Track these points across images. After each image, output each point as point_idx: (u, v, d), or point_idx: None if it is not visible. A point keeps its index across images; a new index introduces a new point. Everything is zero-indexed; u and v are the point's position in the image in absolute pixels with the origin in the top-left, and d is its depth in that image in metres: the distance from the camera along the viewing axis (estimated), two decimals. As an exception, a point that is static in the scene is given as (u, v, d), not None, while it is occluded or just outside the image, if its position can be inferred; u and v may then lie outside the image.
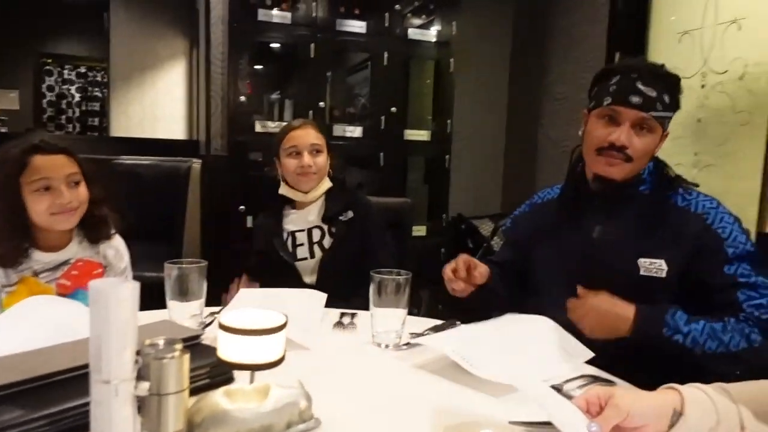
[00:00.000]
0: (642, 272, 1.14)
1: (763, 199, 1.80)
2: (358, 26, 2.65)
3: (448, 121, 2.85)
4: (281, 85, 2.98)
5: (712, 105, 2.07)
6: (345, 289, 1.44)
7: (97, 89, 6.02)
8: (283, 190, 1.66)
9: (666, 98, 1.14)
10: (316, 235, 1.63)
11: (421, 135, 2.87)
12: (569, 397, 0.89)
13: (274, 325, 0.71)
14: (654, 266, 1.14)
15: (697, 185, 1.22)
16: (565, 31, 2.83)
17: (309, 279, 1.62)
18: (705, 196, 1.18)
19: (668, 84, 1.15)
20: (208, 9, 2.77)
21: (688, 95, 2.15)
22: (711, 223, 1.13)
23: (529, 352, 1.02)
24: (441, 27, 2.80)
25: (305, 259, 1.62)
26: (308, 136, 1.62)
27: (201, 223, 2.50)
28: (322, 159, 1.63)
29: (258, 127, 2.63)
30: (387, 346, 1.10)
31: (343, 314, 1.28)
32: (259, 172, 2.76)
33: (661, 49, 2.31)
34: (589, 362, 1.04)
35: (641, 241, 1.16)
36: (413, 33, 2.77)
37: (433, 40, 2.79)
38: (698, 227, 1.13)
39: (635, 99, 1.12)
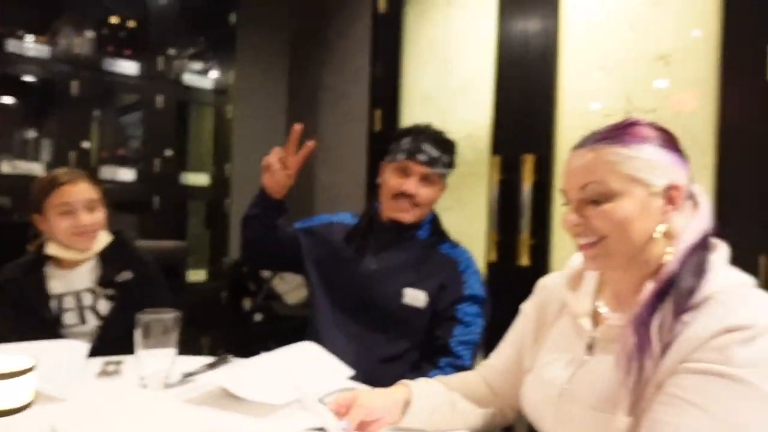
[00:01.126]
0: (404, 300, 1.38)
1: (487, 235, 2.23)
2: (128, 67, 2.57)
3: (227, 166, 2.90)
4: (37, 122, 2.70)
5: (450, 157, 2.50)
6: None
7: None
8: (53, 250, 1.45)
9: (446, 158, 1.42)
10: (88, 299, 1.45)
11: (200, 179, 2.85)
12: (328, 408, 1.01)
13: (17, 368, 0.69)
14: (416, 296, 1.39)
15: (457, 243, 1.52)
16: (333, 88, 3.14)
17: None
18: (464, 250, 1.49)
19: (447, 147, 1.44)
20: (-61, 32, 2.40)
21: (433, 149, 2.58)
22: (461, 269, 1.42)
23: (297, 374, 1.12)
24: (218, 74, 2.87)
25: (75, 325, 1.44)
26: (82, 191, 1.46)
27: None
28: (100, 215, 1.49)
29: (5, 168, 2.33)
30: (156, 387, 1.09)
31: (107, 362, 1.22)
32: (5, 218, 2.43)
33: (410, 110, 2.72)
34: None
35: (409, 275, 1.41)
36: (190, 78, 2.78)
37: (211, 86, 2.84)
38: (451, 270, 1.42)
39: (422, 157, 1.38)
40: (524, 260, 2.10)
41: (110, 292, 1.47)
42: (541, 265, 2.08)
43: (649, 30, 1.86)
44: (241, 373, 1.08)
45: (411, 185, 1.38)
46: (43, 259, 1.48)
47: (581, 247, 0.80)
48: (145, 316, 1.08)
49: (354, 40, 3.00)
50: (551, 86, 2.10)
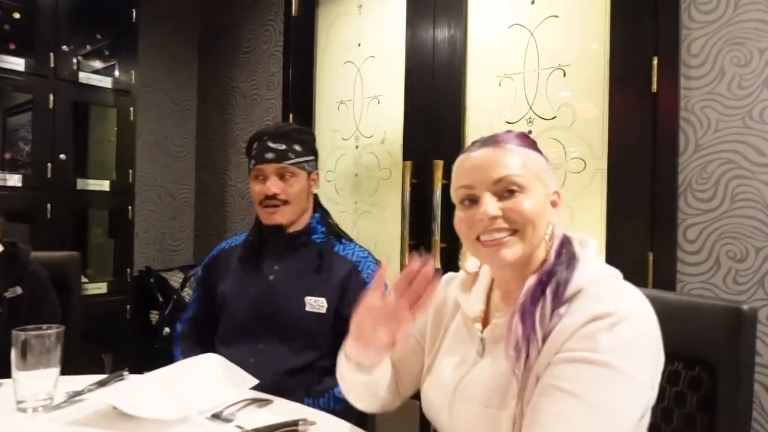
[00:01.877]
0: (307, 308, 1.35)
1: (402, 238, 2.24)
2: (14, 63, 2.36)
3: (130, 171, 2.73)
4: None
5: (364, 162, 2.51)
6: None
7: None
8: None
9: (297, 148, 1.41)
10: None
11: (101, 185, 2.67)
12: (228, 420, 0.97)
13: None
14: (317, 303, 1.36)
15: (351, 239, 1.51)
16: (246, 92, 3.07)
17: None
18: (360, 247, 1.47)
19: (294, 137, 1.42)
20: None
21: (347, 154, 2.58)
22: (360, 269, 1.41)
23: (195, 387, 1.06)
24: (118, 74, 2.70)
25: None
26: None
27: None
28: None
29: None
30: (36, 410, 1.00)
31: (-19, 386, 1.11)
32: None
33: (325, 115, 2.70)
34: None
35: (308, 282, 1.38)
36: (87, 77, 2.60)
37: (110, 86, 2.67)
38: (350, 270, 1.39)
39: (270, 155, 1.38)
40: (437, 263, 2.13)
41: None
42: (452, 269, 2.12)
43: (550, 41, 1.96)
44: (133, 389, 1.01)
45: (270, 186, 1.38)
46: None
47: (487, 243, 0.80)
48: (21, 334, 0.99)
49: (267, 43, 2.94)
50: (459, 93, 2.16)
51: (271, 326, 1.37)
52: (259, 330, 1.37)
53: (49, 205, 2.44)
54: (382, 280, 0.82)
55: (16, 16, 2.46)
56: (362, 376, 0.88)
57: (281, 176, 1.39)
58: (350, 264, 1.40)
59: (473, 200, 0.82)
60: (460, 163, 0.85)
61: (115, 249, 2.81)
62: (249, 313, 1.39)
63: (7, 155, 2.60)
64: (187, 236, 3.35)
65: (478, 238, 0.81)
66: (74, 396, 1.05)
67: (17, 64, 2.36)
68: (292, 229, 1.42)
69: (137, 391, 1.00)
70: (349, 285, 1.37)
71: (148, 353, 2.70)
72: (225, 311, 1.44)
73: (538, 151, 0.85)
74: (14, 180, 2.35)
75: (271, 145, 1.39)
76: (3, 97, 2.64)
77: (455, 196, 0.85)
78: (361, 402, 0.95)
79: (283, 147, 1.39)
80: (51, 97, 2.45)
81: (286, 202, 1.38)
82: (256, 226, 1.48)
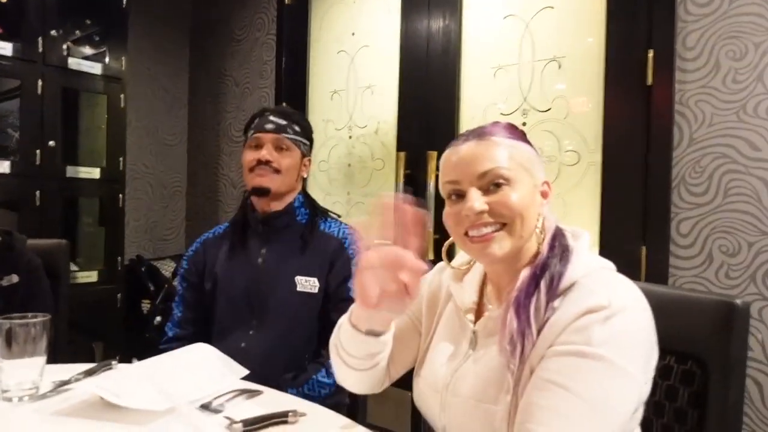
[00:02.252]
0: (299, 288, 1.36)
1: (394, 229, 2.24)
2: (1, 48, 2.31)
3: (121, 159, 2.70)
4: None
5: (357, 153, 2.49)
6: None
7: None
8: None
9: (295, 127, 1.45)
10: None
11: (91, 173, 2.63)
12: (217, 411, 0.96)
13: None
14: (309, 283, 1.36)
15: (339, 215, 1.52)
16: (238, 81, 3.03)
17: None
18: (346, 225, 1.47)
19: (294, 118, 1.47)
20: None
21: (340, 144, 2.56)
22: (346, 246, 1.40)
23: (185, 378, 1.05)
24: (108, 61, 2.66)
25: None
26: None
27: None
28: None
29: None
30: (21, 400, 0.98)
31: (-35, 375, 1.09)
32: None
33: (318, 104, 2.68)
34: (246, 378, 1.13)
35: (297, 262, 1.38)
36: (77, 63, 2.56)
37: (100, 73, 2.63)
38: (336, 246, 1.40)
39: (269, 126, 1.42)
40: (429, 255, 2.13)
41: None
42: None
43: (545, 33, 1.95)
44: (121, 379, 1.00)
45: (264, 152, 1.41)
46: None
47: (475, 239, 0.78)
48: (6, 322, 0.97)
49: (260, 31, 2.91)
50: (453, 84, 2.14)
51: (262, 310, 1.36)
52: (251, 315, 1.37)
53: (38, 193, 2.41)
54: (365, 237, 0.72)
55: (4, 0, 2.41)
56: (372, 343, 0.85)
57: (277, 147, 1.41)
58: (337, 241, 1.41)
59: (460, 195, 0.80)
60: (447, 157, 0.83)
61: (105, 237, 2.78)
62: (241, 299, 1.39)
63: (-5, 142, 2.56)
64: (178, 225, 3.33)
65: (466, 234, 0.80)
66: (61, 385, 1.04)
67: (5, 48, 2.31)
68: (274, 209, 1.42)
69: (125, 381, 0.98)
70: (336, 262, 1.38)
71: (139, 342, 2.69)
72: (217, 299, 1.43)
73: (527, 141, 0.83)
74: (2, 167, 2.31)
75: (272, 118, 1.43)
76: (-5, 82, 2.59)
77: (443, 191, 0.84)
78: (356, 377, 0.92)
79: (284, 122, 1.43)
80: (39, 83, 2.41)
81: (277, 171, 1.40)
82: (240, 211, 1.49)
